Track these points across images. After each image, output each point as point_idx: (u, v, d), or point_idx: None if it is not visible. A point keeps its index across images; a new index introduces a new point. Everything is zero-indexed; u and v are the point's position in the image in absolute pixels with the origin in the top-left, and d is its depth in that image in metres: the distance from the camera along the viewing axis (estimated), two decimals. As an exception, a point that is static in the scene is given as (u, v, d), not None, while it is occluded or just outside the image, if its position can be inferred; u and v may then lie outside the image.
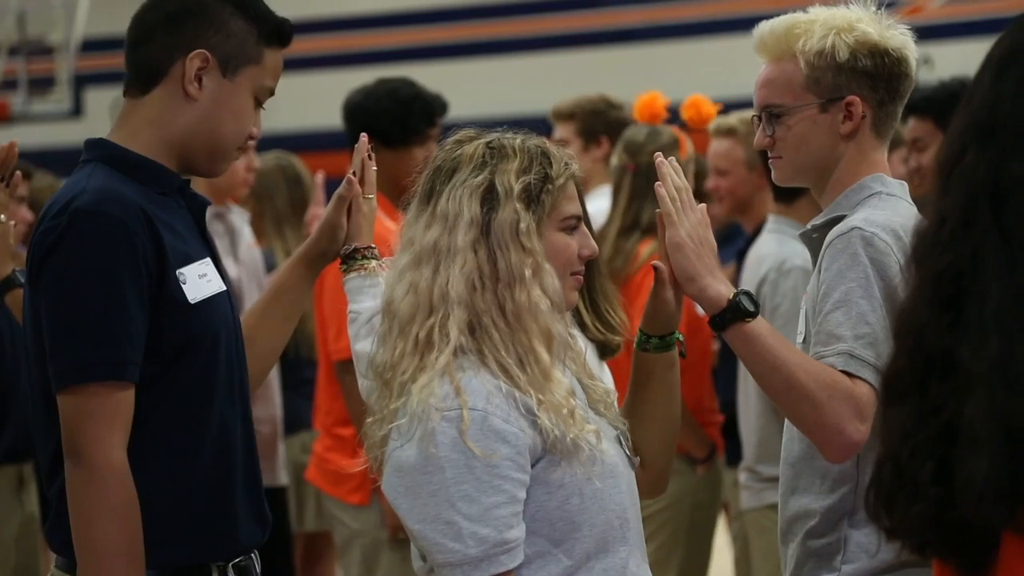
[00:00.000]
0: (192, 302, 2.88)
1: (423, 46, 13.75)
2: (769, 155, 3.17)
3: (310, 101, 10.47)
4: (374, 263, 3.24)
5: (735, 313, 2.91)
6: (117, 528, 2.78)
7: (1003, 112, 2.12)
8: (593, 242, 2.77)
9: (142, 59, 2.96)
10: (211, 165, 2.99)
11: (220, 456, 2.93)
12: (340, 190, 3.24)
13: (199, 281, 2.89)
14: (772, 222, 5.15)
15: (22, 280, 3.41)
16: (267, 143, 5.60)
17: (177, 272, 2.86)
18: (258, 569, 3.03)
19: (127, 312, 2.80)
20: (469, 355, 2.63)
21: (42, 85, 14.06)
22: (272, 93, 3.00)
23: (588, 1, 14.63)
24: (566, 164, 2.74)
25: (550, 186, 2.70)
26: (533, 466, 2.60)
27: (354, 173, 3.29)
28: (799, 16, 3.11)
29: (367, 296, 3.29)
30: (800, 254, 4.81)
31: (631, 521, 2.71)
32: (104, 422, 2.80)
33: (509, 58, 13.72)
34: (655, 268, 2.88)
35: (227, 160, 2.99)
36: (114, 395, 2.81)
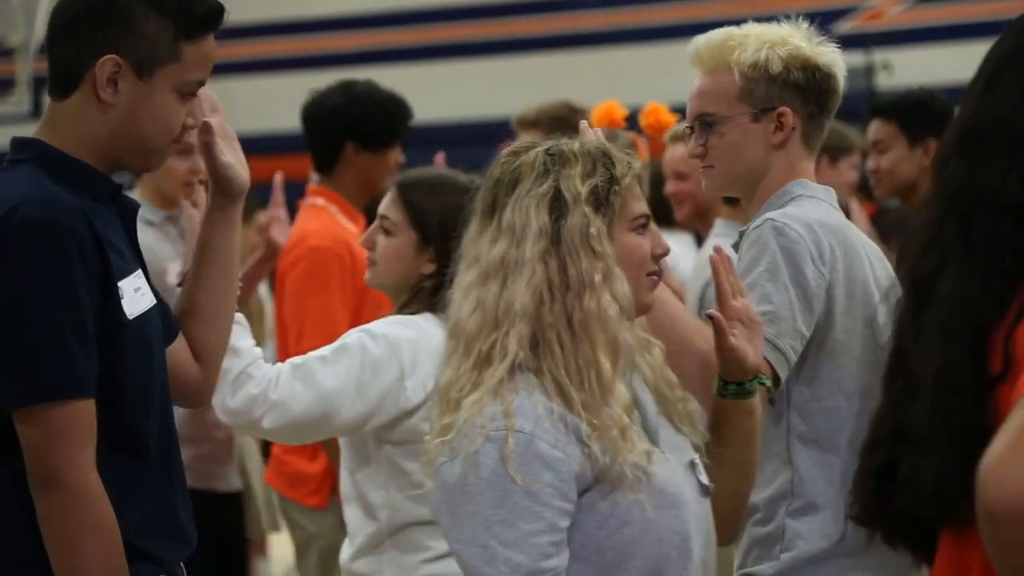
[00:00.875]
0: (130, 318, 2.80)
1: (383, 49, 13.72)
2: (701, 165, 3.20)
3: (269, 103, 10.44)
4: None
5: None
6: (101, 550, 2.70)
7: (984, 124, 2.14)
8: (664, 240, 2.73)
9: (57, 62, 2.88)
10: (141, 163, 2.90)
11: (165, 472, 2.88)
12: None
13: (135, 295, 2.82)
14: (720, 225, 5.17)
15: None
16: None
17: (119, 285, 2.78)
18: None
19: (83, 326, 2.72)
20: (527, 373, 2.57)
21: (1, 87, 13.99)
22: (201, 83, 2.89)
23: (552, 5, 14.63)
24: (628, 164, 2.69)
25: (617, 187, 2.66)
26: (582, 495, 2.55)
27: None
28: (733, 30, 3.19)
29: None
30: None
31: (694, 551, 2.62)
32: (75, 442, 2.70)
33: (468, 61, 13.71)
34: (710, 316, 2.85)
35: (160, 155, 2.88)
36: (83, 412, 2.72)
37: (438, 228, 3.65)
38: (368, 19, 14.02)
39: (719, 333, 2.82)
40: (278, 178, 4.51)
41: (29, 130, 2.95)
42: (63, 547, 2.69)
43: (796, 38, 3.15)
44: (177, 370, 3.02)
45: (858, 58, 13.90)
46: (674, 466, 2.64)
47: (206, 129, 3.02)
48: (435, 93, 11.29)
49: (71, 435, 2.69)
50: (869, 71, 13.58)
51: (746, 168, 3.18)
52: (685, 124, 3.24)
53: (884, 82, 13.34)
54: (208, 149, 3.03)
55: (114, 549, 2.72)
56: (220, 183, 3.05)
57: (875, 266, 3.22)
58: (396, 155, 5.45)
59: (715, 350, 2.84)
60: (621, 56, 12.32)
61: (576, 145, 2.69)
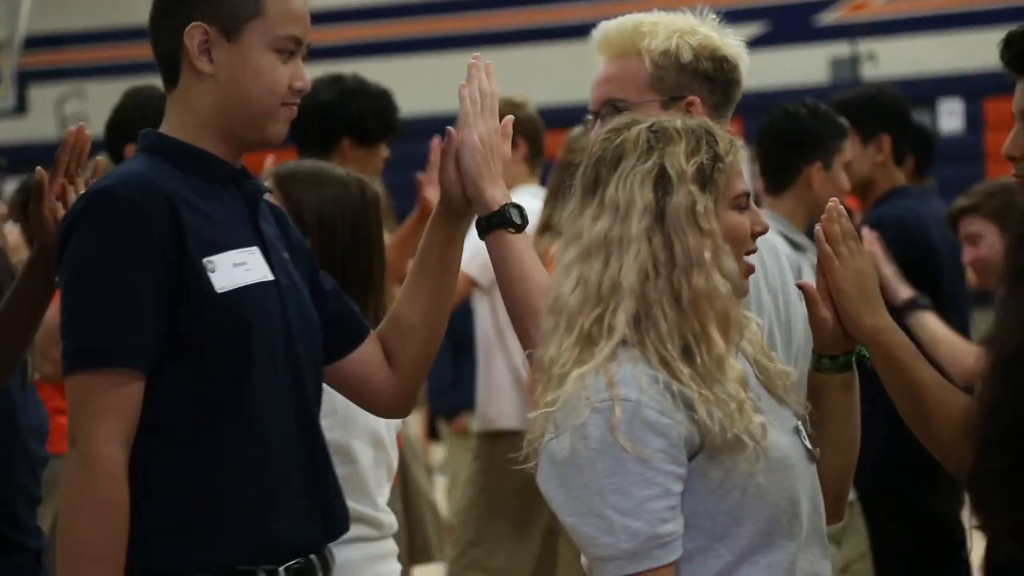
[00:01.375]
0: (220, 291, 2.75)
1: (360, 43, 13.71)
2: None
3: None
4: None
5: (501, 219, 2.95)
6: (98, 524, 2.66)
7: None
8: (763, 219, 2.70)
9: (158, 52, 2.88)
10: (258, 133, 2.86)
11: (259, 457, 2.78)
12: None
13: (233, 270, 2.77)
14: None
15: None
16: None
17: (205, 260, 2.74)
18: (326, 570, 2.87)
19: (135, 296, 2.70)
20: (630, 348, 2.55)
21: (-15, 82, 13.97)
22: (298, 41, 2.86)
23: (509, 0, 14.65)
24: (731, 141, 2.66)
25: (721, 164, 2.62)
26: (690, 459, 2.53)
27: (54, 176, 3.18)
28: (643, 16, 3.18)
29: None
30: (781, 248, 4.84)
31: (803, 515, 2.61)
32: (99, 412, 2.68)
33: (410, 57, 13.70)
34: (800, 287, 2.83)
35: (274, 121, 2.85)
36: (113, 384, 2.68)
37: (316, 221, 3.62)
38: (347, 12, 14.02)
39: (810, 303, 2.82)
40: (269, 160, 4.48)
41: (13, 125, 2.95)
42: (66, 509, 2.69)
43: (705, 28, 3.16)
44: (364, 376, 3.01)
45: (843, 48, 13.95)
46: (780, 432, 2.62)
47: (449, 138, 3.02)
48: (418, 86, 11.29)
49: (97, 404, 2.68)
50: (854, 61, 13.62)
51: None
52: (590, 110, 3.21)
53: (869, 72, 13.37)
54: (444, 158, 3.02)
55: (113, 528, 2.69)
56: (442, 197, 3.05)
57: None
58: (384, 150, 5.45)
59: (807, 320, 2.84)
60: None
61: (679, 122, 2.67)
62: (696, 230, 2.58)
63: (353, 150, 5.34)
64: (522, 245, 2.98)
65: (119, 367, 2.69)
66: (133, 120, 4.87)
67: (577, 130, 5.59)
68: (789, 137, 4.95)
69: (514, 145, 5.80)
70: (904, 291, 4.62)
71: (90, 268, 2.71)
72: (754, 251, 2.70)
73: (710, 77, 3.13)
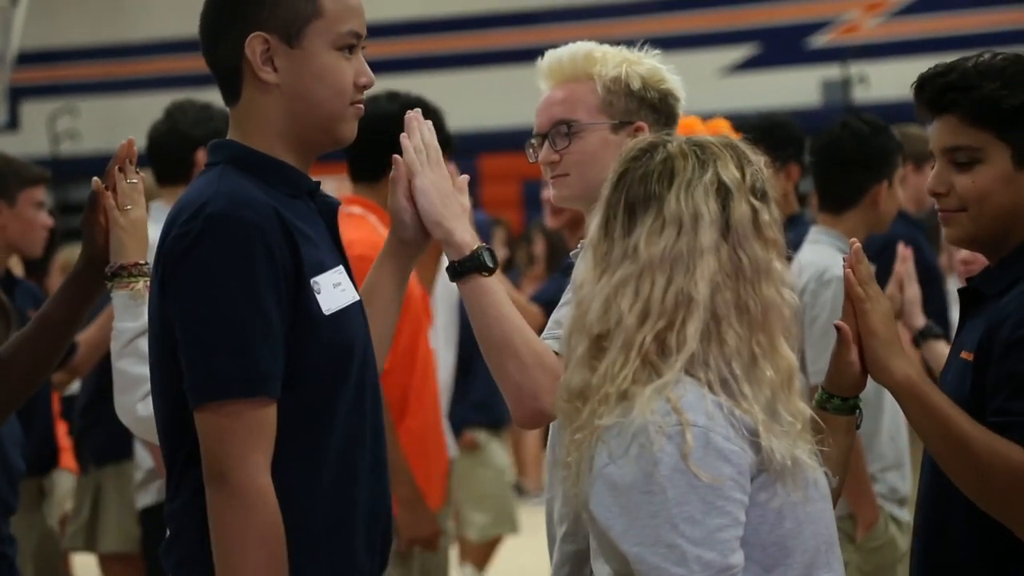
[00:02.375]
0: (327, 313, 2.71)
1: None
2: (552, 173, 3.21)
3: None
4: (142, 283, 3.15)
5: (474, 262, 2.95)
6: (264, 555, 2.60)
7: None
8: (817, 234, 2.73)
9: (218, 67, 2.79)
10: (330, 136, 2.81)
11: (343, 478, 2.75)
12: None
13: (333, 291, 2.73)
14: (816, 232, 5.14)
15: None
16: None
17: (312, 281, 2.70)
18: None
19: (268, 323, 2.63)
20: (695, 368, 2.50)
21: (-23, 98, 13.97)
22: (358, 35, 2.79)
23: (530, 17, 14.67)
24: (759, 155, 2.65)
25: (766, 175, 2.61)
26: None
27: (107, 186, 3.15)
28: (591, 44, 3.22)
29: (131, 316, 3.24)
30: (841, 265, 4.83)
31: (835, 546, 2.59)
32: (248, 442, 2.60)
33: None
34: (837, 328, 2.81)
35: (344, 122, 2.81)
36: (257, 412, 2.61)
37: None
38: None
39: (843, 343, 2.81)
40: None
41: (5, 140, 2.93)
42: (226, 548, 2.61)
43: (650, 60, 3.21)
44: None
45: (835, 71, 13.98)
46: (812, 460, 2.57)
47: (396, 165, 3.01)
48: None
49: (243, 435, 2.60)
50: (845, 85, 13.65)
51: (600, 178, 3.21)
52: (536, 133, 3.23)
53: (861, 95, 13.41)
54: (393, 185, 3.02)
55: (276, 556, 2.63)
56: (393, 227, 3.04)
57: None
58: None
59: (833, 358, 2.83)
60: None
61: (709, 137, 2.65)
62: (762, 240, 2.54)
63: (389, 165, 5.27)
64: (496, 287, 2.97)
65: (261, 395, 2.62)
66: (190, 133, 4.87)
67: None
68: (856, 156, 4.87)
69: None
70: (920, 318, 4.61)
71: (221, 294, 2.63)
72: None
73: (655, 107, 3.19)
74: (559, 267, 6.60)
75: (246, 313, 2.61)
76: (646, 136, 2.71)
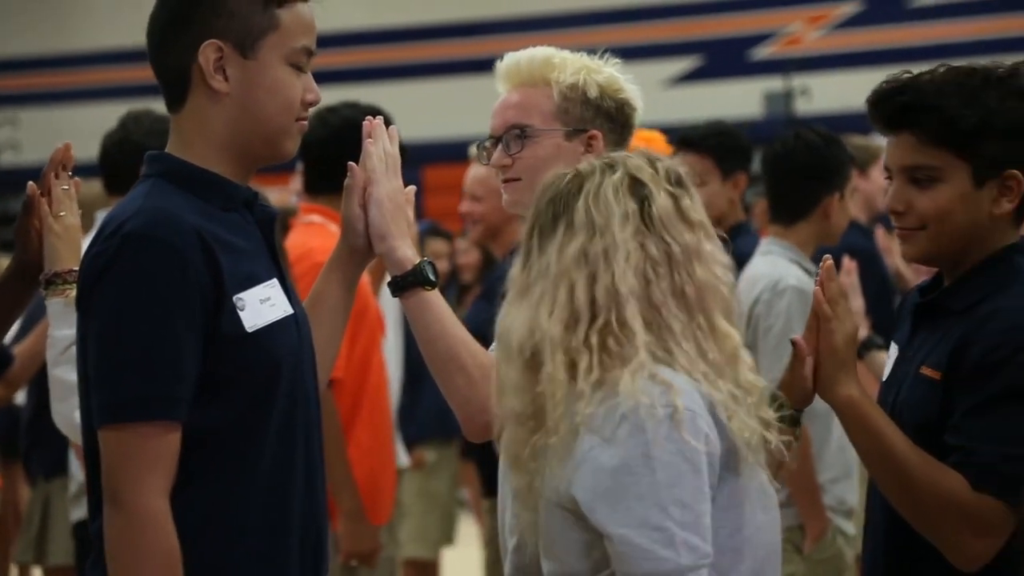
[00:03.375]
0: (250, 331, 2.66)
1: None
2: (504, 177, 3.20)
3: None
4: (74, 289, 3.16)
5: (416, 277, 2.96)
6: None
7: None
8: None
9: (164, 71, 2.74)
10: (272, 150, 2.76)
11: (273, 495, 2.71)
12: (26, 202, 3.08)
13: (260, 306, 2.69)
14: (767, 243, 5.14)
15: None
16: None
17: (235, 298, 2.65)
18: None
19: (177, 345, 2.60)
20: (654, 350, 2.49)
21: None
22: (310, 52, 2.77)
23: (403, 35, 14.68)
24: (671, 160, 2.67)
25: (676, 167, 2.62)
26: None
27: (42, 192, 3.10)
28: (551, 50, 3.22)
29: (67, 323, 3.20)
30: (794, 274, 4.85)
31: (778, 556, 2.61)
32: (145, 464, 2.57)
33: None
34: (792, 343, 2.83)
35: (289, 137, 2.77)
36: (158, 435, 2.58)
37: None
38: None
39: (796, 358, 2.83)
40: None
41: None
42: (119, 570, 2.58)
43: (609, 69, 3.22)
44: None
45: (777, 84, 14.04)
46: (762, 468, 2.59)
47: (352, 172, 2.99)
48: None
49: (142, 456, 2.57)
50: (788, 97, 13.71)
51: None
52: (490, 136, 3.23)
53: (803, 107, 13.46)
54: (348, 193, 2.99)
55: None
56: (344, 234, 3.01)
57: None
58: None
59: (787, 371, 2.84)
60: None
61: (617, 154, 2.65)
62: (687, 224, 2.55)
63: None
64: (439, 300, 2.97)
65: (164, 418, 2.59)
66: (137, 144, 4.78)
67: None
68: (809, 168, 4.88)
69: None
70: (863, 329, 4.62)
71: (131, 316, 2.59)
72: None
73: (611, 116, 3.19)
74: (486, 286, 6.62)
75: (153, 336, 2.58)
76: (556, 171, 2.68)
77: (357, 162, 3.00)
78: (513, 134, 3.16)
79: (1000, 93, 2.79)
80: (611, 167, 2.58)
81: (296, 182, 5.65)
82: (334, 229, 5.06)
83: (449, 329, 2.96)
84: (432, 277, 2.96)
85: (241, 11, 2.69)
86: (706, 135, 5.59)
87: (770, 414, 2.54)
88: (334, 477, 4.89)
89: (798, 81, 13.61)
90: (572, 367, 2.50)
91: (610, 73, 3.19)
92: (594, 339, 2.49)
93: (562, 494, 2.48)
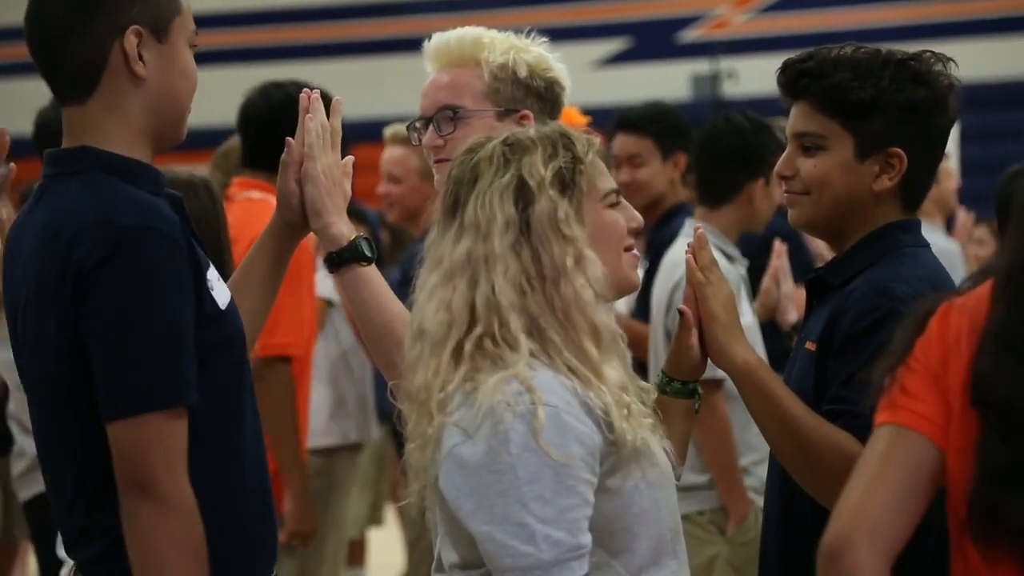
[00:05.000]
0: (222, 308, 2.71)
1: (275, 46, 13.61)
2: (435, 157, 3.19)
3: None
4: None
5: (352, 253, 2.97)
6: (193, 566, 2.58)
7: None
8: (637, 213, 2.69)
9: (68, 62, 2.68)
10: (178, 134, 2.76)
11: (255, 464, 2.78)
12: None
13: (218, 285, 2.73)
14: (691, 226, 5.13)
15: None
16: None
17: (207, 278, 2.70)
18: None
19: (186, 331, 2.61)
20: (539, 357, 2.50)
21: None
22: (195, 32, 2.80)
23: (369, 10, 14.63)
24: (588, 141, 2.63)
25: (581, 166, 2.59)
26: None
27: None
28: (480, 30, 3.22)
29: None
30: (720, 261, 4.85)
31: (679, 534, 2.61)
32: (173, 452, 2.57)
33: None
34: (680, 312, 2.84)
35: (186, 121, 2.79)
36: (178, 421, 2.59)
37: None
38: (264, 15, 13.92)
39: (684, 328, 2.83)
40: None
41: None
42: (151, 562, 2.57)
43: (538, 48, 3.23)
44: None
45: (704, 66, 14.09)
46: (658, 447, 2.59)
47: (288, 147, 3.00)
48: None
49: (169, 445, 2.57)
50: (715, 79, 13.76)
51: None
52: (421, 116, 3.23)
53: (730, 90, 13.51)
54: (284, 168, 3.00)
55: (204, 567, 2.60)
56: (279, 208, 3.02)
57: None
58: None
59: (674, 342, 2.86)
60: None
61: (532, 131, 2.64)
62: (559, 237, 2.55)
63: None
64: (375, 276, 2.97)
65: (183, 404, 2.60)
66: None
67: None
68: (735, 152, 4.90)
69: None
70: (793, 313, 4.64)
71: (141, 306, 2.58)
72: (633, 247, 2.69)
73: (541, 95, 3.20)
74: (400, 261, 6.61)
75: (166, 324, 2.59)
76: (476, 137, 2.68)
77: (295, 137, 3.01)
78: (445, 115, 3.16)
79: (896, 74, 2.86)
80: (506, 163, 2.58)
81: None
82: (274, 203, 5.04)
83: (386, 304, 2.96)
84: (368, 253, 2.97)
85: None
86: (645, 116, 5.60)
87: (643, 424, 2.53)
88: (284, 455, 4.91)
89: (725, 64, 13.66)
90: (438, 366, 2.52)
91: (539, 52, 3.20)
92: (467, 345, 2.50)
93: (437, 487, 2.50)
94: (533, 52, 3.20)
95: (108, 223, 2.60)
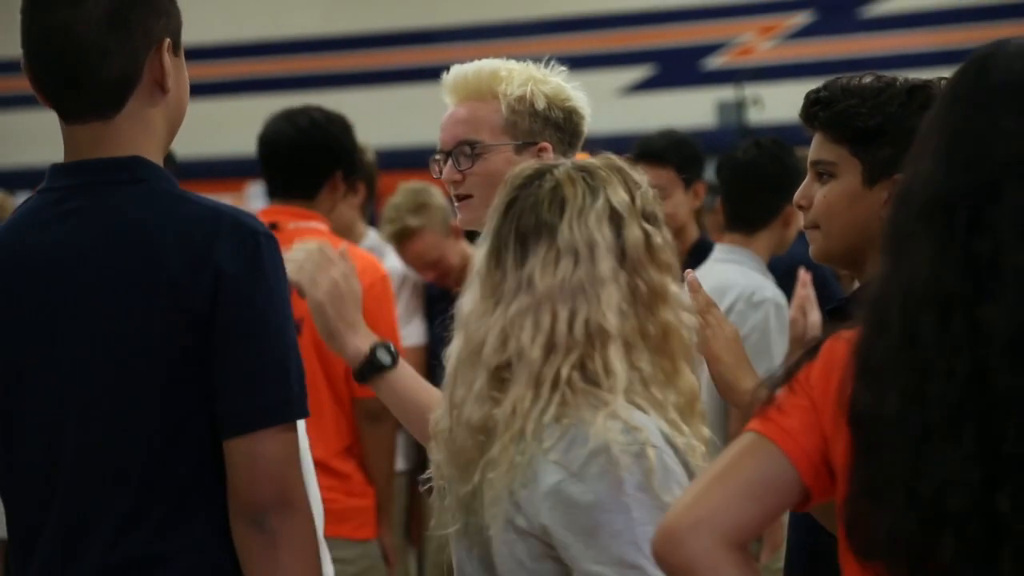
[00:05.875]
0: None
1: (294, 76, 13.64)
2: (455, 192, 3.19)
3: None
4: None
5: (373, 366, 3.05)
6: (319, 570, 2.62)
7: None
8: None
9: (104, 79, 2.62)
10: (168, 148, 2.75)
11: None
12: None
13: None
14: (727, 251, 5.11)
15: None
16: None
17: None
18: None
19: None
20: (632, 388, 2.50)
21: None
22: None
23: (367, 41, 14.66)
24: (640, 174, 2.64)
25: (654, 195, 2.60)
26: None
27: None
28: (498, 62, 3.21)
29: None
30: (769, 287, 4.84)
31: None
32: (299, 461, 2.60)
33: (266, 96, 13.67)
34: None
35: None
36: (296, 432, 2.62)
37: None
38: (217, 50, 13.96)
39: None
40: None
41: None
42: (304, 569, 2.57)
43: (555, 78, 3.23)
44: None
45: (729, 93, 14.07)
46: None
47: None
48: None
49: (297, 455, 2.59)
50: (740, 107, 13.74)
51: None
52: (440, 150, 3.23)
53: (755, 117, 13.50)
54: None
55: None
56: None
57: None
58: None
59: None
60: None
61: (593, 161, 2.62)
62: (655, 264, 2.54)
63: (340, 186, 5.20)
64: (404, 376, 3.02)
65: (307, 411, 2.62)
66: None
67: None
68: (771, 177, 4.92)
69: (355, 191, 5.73)
70: None
71: (284, 310, 2.58)
72: None
73: (560, 126, 3.21)
74: None
75: (291, 331, 2.59)
76: (531, 163, 2.67)
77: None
78: (463, 150, 3.16)
79: (905, 100, 2.88)
80: (592, 190, 2.54)
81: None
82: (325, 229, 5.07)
83: (421, 399, 3.01)
84: (387, 360, 3.02)
85: (171, 10, 2.68)
86: (667, 146, 5.60)
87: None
88: (387, 490, 5.24)
89: (750, 91, 13.63)
90: (537, 392, 2.48)
91: (556, 83, 3.20)
92: (565, 371, 2.48)
93: (531, 521, 2.46)
94: (551, 83, 3.20)
95: (241, 225, 2.57)
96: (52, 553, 2.60)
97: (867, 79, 2.93)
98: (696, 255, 5.39)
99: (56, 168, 2.68)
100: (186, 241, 2.54)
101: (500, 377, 2.52)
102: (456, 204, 3.23)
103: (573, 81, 3.23)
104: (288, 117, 5.19)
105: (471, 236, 3.71)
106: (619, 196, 2.56)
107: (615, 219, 2.54)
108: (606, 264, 2.51)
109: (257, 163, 5.30)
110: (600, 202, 2.54)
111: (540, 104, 3.17)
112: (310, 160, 5.06)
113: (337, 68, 14.61)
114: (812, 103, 2.94)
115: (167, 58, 2.65)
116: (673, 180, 5.55)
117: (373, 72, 14.79)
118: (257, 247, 2.55)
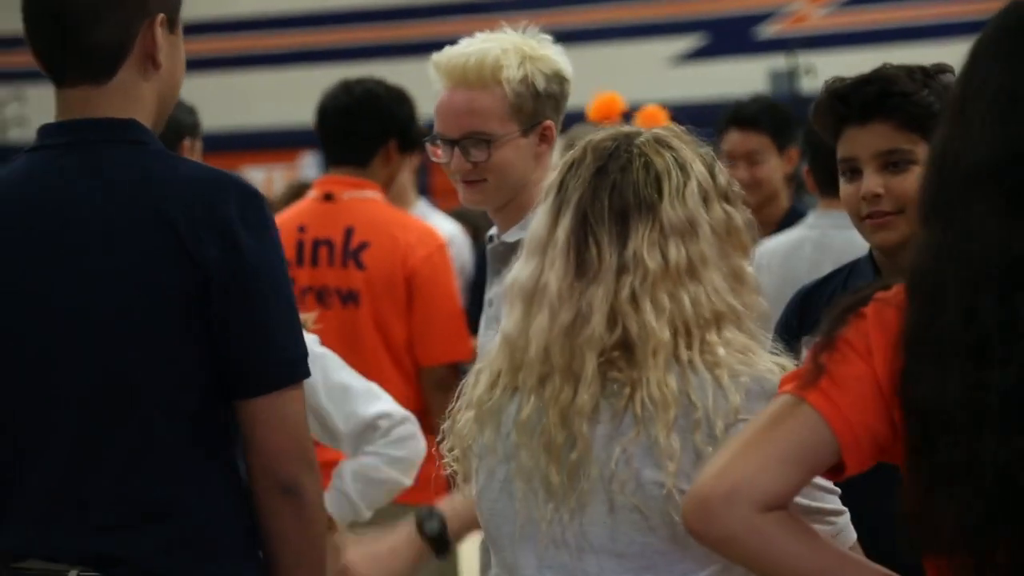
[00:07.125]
0: None
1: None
2: (466, 178, 3.23)
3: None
4: None
5: (436, 538, 3.16)
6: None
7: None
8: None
9: (95, 45, 2.62)
10: (160, 125, 2.73)
11: None
12: None
13: None
14: (836, 216, 5.06)
15: None
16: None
17: None
18: None
19: None
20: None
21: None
22: None
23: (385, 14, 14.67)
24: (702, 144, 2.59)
25: (728, 178, 2.56)
26: None
27: None
28: (490, 45, 3.23)
29: None
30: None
31: None
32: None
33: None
34: None
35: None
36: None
37: None
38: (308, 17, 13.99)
39: None
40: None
41: None
42: (319, 530, 2.59)
43: (542, 47, 3.25)
44: None
45: (781, 62, 14.03)
46: None
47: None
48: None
49: (304, 417, 2.58)
50: (793, 75, 13.70)
51: (516, 181, 3.27)
52: (449, 138, 3.25)
53: (808, 86, 13.46)
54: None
55: None
56: None
57: None
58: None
59: None
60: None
61: (668, 136, 2.55)
62: (733, 245, 2.50)
63: (395, 154, 5.24)
64: (458, 514, 3.11)
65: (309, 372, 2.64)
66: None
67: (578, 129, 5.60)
68: None
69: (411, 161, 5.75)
70: None
71: (285, 274, 2.59)
72: None
73: (557, 99, 3.27)
74: None
75: (292, 289, 2.61)
76: (603, 132, 2.58)
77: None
78: (474, 141, 3.21)
79: (939, 84, 2.96)
80: (681, 167, 2.50)
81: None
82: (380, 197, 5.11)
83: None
84: (436, 526, 3.16)
85: None
86: (760, 111, 5.59)
87: None
88: None
89: (803, 59, 13.59)
90: (680, 369, 2.42)
91: (543, 53, 3.25)
92: (684, 355, 2.41)
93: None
94: (540, 55, 3.24)
95: (236, 183, 2.59)
96: (50, 487, 2.57)
97: (891, 67, 2.98)
98: (787, 223, 5.31)
99: (47, 127, 2.68)
100: (192, 199, 2.55)
101: (611, 358, 2.44)
102: (464, 185, 3.26)
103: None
104: (346, 86, 5.25)
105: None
106: (703, 173, 2.51)
107: (705, 199, 2.49)
108: (708, 243, 2.46)
109: (310, 134, 5.37)
110: (694, 182, 2.49)
111: (540, 84, 3.22)
112: (361, 128, 5.10)
113: (393, 39, 14.64)
114: (876, 96, 2.95)
115: (160, 32, 2.66)
116: (767, 145, 5.53)
117: (425, 42, 14.82)
118: (261, 208, 2.57)
